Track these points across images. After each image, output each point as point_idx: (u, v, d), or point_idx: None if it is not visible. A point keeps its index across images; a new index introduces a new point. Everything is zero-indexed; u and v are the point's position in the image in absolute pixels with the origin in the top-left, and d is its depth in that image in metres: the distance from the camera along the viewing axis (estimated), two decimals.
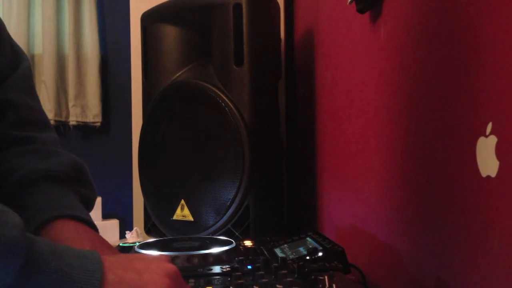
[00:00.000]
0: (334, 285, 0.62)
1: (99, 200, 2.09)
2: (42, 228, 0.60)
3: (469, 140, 0.61)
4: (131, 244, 0.95)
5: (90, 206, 0.72)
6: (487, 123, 0.57)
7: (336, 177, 1.33)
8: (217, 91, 1.35)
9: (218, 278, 0.70)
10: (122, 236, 2.12)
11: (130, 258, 0.52)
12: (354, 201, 1.18)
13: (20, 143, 0.70)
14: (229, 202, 1.31)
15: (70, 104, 2.22)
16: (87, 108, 2.24)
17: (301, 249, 0.88)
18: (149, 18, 1.54)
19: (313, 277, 0.65)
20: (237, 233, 1.31)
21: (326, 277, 0.64)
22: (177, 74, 1.48)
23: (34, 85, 0.81)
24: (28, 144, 0.71)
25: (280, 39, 1.62)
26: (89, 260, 0.47)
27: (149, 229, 1.52)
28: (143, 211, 1.54)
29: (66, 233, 0.61)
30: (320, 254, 0.81)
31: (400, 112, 0.89)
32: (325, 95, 1.44)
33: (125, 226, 2.17)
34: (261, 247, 0.93)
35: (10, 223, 0.42)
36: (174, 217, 1.42)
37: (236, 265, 0.74)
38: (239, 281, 0.63)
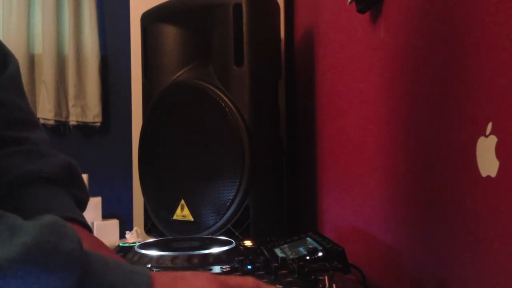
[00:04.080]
0: (334, 285, 0.62)
1: (99, 200, 2.09)
2: None
3: (469, 140, 0.61)
4: (131, 244, 0.95)
5: (83, 207, 0.72)
6: (487, 123, 0.57)
7: (336, 177, 1.33)
8: (217, 91, 1.35)
9: None
10: (122, 236, 2.11)
11: (175, 276, 0.52)
12: (354, 201, 1.18)
13: (11, 143, 0.70)
14: (229, 202, 1.31)
15: (70, 104, 2.22)
16: (87, 108, 2.24)
17: (301, 249, 0.88)
18: (149, 18, 1.54)
19: (313, 277, 0.65)
20: (237, 233, 1.31)
21: (326, 277, 0.64)
22: (177, 74, 1.48)
23: (22, 85, 0.80)
24: (20, 144, 0.70)
25: (280, 39, 1.62)
26: (139, 276, 0.47)
27: (149, 229, 1.52)
28: (143, 211, 1.54)
29: None
30: (320, 254, 0.81)
31: (400, 112, 0.89)
32: (325, 95, 1.44)
33: (125, 226, 2.17)
34: (261, 247, 0.94)
35: (69, 236, 0.43)
36: (174, 217, 1.42)
37: (236, 265, 0.74)
38: None
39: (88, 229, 0.66)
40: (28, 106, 0.78)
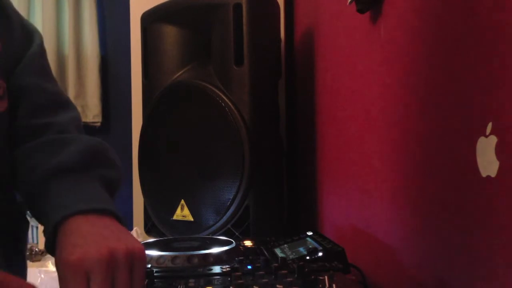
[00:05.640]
0: (334, 285, 0.62)
1: None
2: (58, 228, 0.59)
3: (469, 140, 0.61)
4: None
5: (114, 185, 0.69)
6: (487, 123, 0.57)
7: (336, 177, 1.33)
8: (217, 91, 1.35)
9: (218, 278, 0.70)
10: None
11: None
12: (354, 201, 1.17)
13: (37, 133, 0.69)
14: (229, 202, 1.31)
15: None
16: (87, 108, 2.24)
17: (301, 249, 0.88)
18: (149, 18, 1.54)
19: (313, 277, 0.65)
20: (237, 233, 1.31)
21: (326, 277, 0.64)
22: (177, 74, 1.48)
23: (46, 62, 0.78)
24: (44, 132, 0.69)
25: (280, 39, 1.62)
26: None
27: (149, 229, 1.51)
28: (143, 211, 1.54)
29: (80, 228, 0.58)
30: (320, 254, 0.81)
31: (400, 112, 0.89)
32: (325, 94, 1.44)
33: (125, 226, 2.16)
34: (261, 247, 0.94)
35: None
36: (174, 217, 1.42)
37: (236, 265, 0.74)
38: (239, 281, 0.63)
39: (114, 215, 0.63)
40: (53, 84, 0.76)
